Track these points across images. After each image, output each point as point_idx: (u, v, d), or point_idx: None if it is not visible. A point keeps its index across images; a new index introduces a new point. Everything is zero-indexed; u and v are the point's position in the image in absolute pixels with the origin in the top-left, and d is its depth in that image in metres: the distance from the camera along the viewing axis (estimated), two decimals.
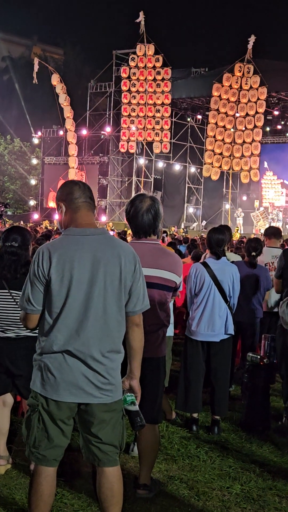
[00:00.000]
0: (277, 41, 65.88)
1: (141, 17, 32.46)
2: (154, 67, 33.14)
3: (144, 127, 33.70)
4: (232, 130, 30.89)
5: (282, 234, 8.65)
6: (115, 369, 3.58)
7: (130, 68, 33.56)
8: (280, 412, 6.69)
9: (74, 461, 5.07)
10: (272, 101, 32.95)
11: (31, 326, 3.63)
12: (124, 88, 33.97)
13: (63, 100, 34.56)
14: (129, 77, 33.71)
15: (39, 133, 42.81)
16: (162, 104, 33.32)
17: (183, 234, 27.62)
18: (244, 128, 30.98)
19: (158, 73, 33.08)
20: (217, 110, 31.11)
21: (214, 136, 31.35)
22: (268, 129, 33.14)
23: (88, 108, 40.39)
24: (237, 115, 30.83)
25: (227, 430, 6.28)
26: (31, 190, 48.34)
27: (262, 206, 39.31)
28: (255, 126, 30.84)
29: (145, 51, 32.94)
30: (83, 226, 3.58)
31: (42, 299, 3.52)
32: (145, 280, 3.86)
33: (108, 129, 38.49)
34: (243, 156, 31.18)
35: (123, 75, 33.96)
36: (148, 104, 33.46)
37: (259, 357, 6.40)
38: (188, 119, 39.50)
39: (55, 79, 34.63)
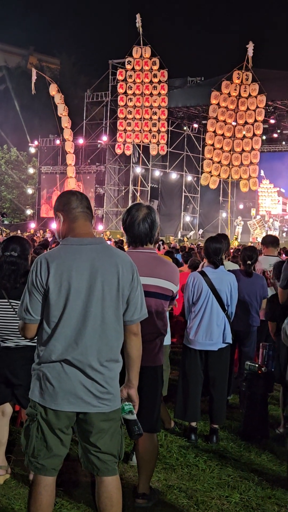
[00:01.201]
0: (272, 50, 66.22)
1: (138, 19, 32.52)
2: (150, 70, 33.12)
3: (140, 130, 33.69)
4: (231, 138, 30.87)
5: (280, 242, 8.67)
6: (114, 378, 3.59)
7: (126, 71, 33.57)
8: (278, 420, 6.69)
9: (73, 470, 5.06)
10: (268, 110, 33.05)
11: (30, 335, 3.63)
12: (120, 90, 33.95)
13: (62, 110, 34.57)
14: (125, 80, 33.72)
15: (36, 143, 42.86)
16: (159, 106, 33.29)
17: (187, 243, 27.46)
18: (243, 137, 30.97)
19: (155, 75, 33.03)
20: (216, 118, 31.08)
21: (213, 145, 31.30)
22: (264, 137, 33.19)
23: (84, 118, 40.46)
24: (233, 124, 30.85)
25: (225, 439, 6.28)
26: (28, 199, 48.38)
27: (259, 215, 39.40)
28: (254, 135, 30.83)
29: (141, 53, 32.95)
30: (81, 236, 3.59)
31: (41, 308, 3.52)
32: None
33: (104, 138, 38.55)
34: (242, 165, 31.15)
35: (119, 77, 33.92)
36: (144, 106, 33.43)
37: (257, 365, 6.40)
38: (185, 128, 39.60)
39: (53, 89, 34.65)
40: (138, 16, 32.64)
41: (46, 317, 3.51)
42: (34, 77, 34.45)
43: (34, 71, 35.12)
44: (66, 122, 34.88)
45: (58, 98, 34.52)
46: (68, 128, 35.05)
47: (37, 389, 3.55)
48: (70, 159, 35.64)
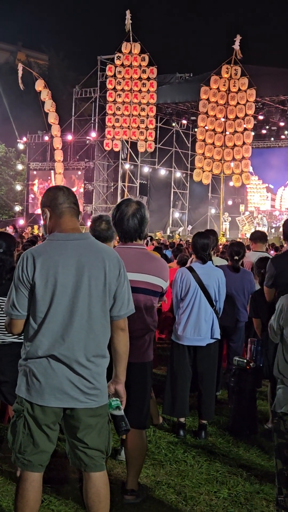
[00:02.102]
0: (260, 47, 66.25)
1: (128, 16, 32.41)
2: (139, 66, 33.03)
3: (129, 126, 33.61)
4: (222, 133, 30.81)
5: (268, 238, 8.68)
6: (101, 373, 3.58)
7: (115, 67, 33.47)
8: (267, 415, 6.70)
9: (61, 467, 5.05)
10: (257, 106, 33.04)
11: (16, 331, 3.61)
12: (109, 86, 33.83)
13: (49, 106, 34.44)
14: (114, 76, 33.62)
15: (24, 139, 42.70)
16: (147, 103, 33.18)
17: (177, 239, 27.40)
18: (234, 131, 30.93)
19: (144, 71, 32.95)
20: (206, 113, 31.03)
21: (204, 140, 31.24)
22: (253, 133, 33.21)
23: (73, 114, 40.33)
24: (222, 119, 30.82)
25: (214, 435, 6.28)
26: (17, 196, 48.20)
27: (248, 211, 39.45)
28: (245, 129, 30.80)
29: (130, 49, 32.84)
30: (68, 231, 3.58)
31: (27, 304, 3.51)
32: (131, 284, 3.86)
33: (93, 134, 38.43)
34: (234, 160, 31.13)
35: (109, 73, 33.76)
36: (133, 103, 33.34)
37: (245, 361, 6.41)
38: (173, 124, 39.56)
39: (40, 85, 34.51)
40: (127, 12, 32.55)
41: (33, 312, 3.50)
42: (20, 72, 34.29)
43: (20, 66, 34.95)
44: (53, 118, 34.75)
45: (45, 94, 34.36)
46: (55, 124, 34.91)
47: (23, 385, 3.54)
48: (59, 155, 35.51)
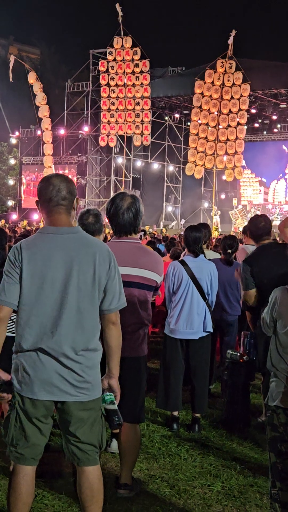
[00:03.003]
0: (253, 40, 66.20)
1: (118, 9, 32.26)
2: (132, 60, 32.92)
3: (124, 121, 33.53)
4: (215, 128, 30.76)
5: None
6: (92, 367, 3.56)
7: (108, 62, 33.37)
8: (260, 409, 6.71)
9: (54, 462, 5.04)
10: (249, 100, 33.02)
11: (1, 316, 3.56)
12: (102, 82, 33.71)
13: (41, 99, 34.27)
14: (107, 71, 33.51)
15: (17, 133, 42.60)
16: (142, 97, 33.09)
17: (167, 233, 27.43)
18: (227, 126, 30.89)
19: (137, 65, 32.80)
20: (200, 107, 30.97)
21: (197, 134, 31.18)
22: (245, 128, 33.19)
23: (65, 108, 40.22)
24: (216, 113, 30.78)
25: (207, 428, 6.29)
26: (9, 191, 48.11)
27: (241, 204, 39.49)
28: (238, 124, 30.77)
29: (122, 43, 32.73)
30: (58, 225, 3.56)
31: (15, 294, 3.49)
32: (125, 279, 3.84)
33: (86, 128, 38.38)
34: (227, 154, 31.11)
35: (101, 68, 33.65)
36: (127, 97, 33.26)
37: (238, 354, 6.41)
38: (166, 118, 39.51)
39: (32, 78, 34.30)
40: (117, 6, 32.40)
41: (21, 305, 3.49)
42: (11, 64, 34.11)
43: (12, 58, 34.74)
44: (45, 111, 34.57)
45: (37, 87, 34.16)
46: (47, 117, 34.74)
47: (15, 378, 3.54)
48: (49, 149, 35.32)
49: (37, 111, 34.62)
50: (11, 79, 34.17)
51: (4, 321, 3.53)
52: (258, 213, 36.19)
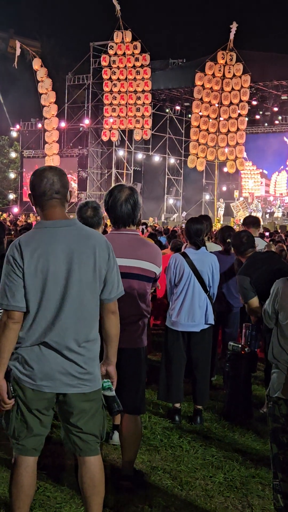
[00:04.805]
0: (254, 31, 65.98)
1: (115, 3, 32.17)
2: (132, 54, 32.87)
3: (126, 115, 33.51)
4: (216, 119, 30.75)
5: (262, 223, 8.65)
6: (93, 358, 3.58)
7: (110, 56, 33.31)
8: (262, 400, 6.71)
9: (56, 454, 5.05)
10: (250, 92, 32.99)
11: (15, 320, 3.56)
12: (105, 76, 33.69)
13: (48, 85, 34.02)
14: (109, 65, 33.46)
15: (18, 126, 42.58)
16: (143, 91, 33.07)
17: (169, 225, 27.44)
18: (228, 117, 30.86)
19: (137, 59, 32.79)
20: (201, 99, 30.95)
21: (198, 126, 31.19)
22: (246, 119, 33.17)
23: (66, 101, 40.17)
24: (217, 105, 30.74)
25: (209, 420, 6.29)
26: (11, 184, 48.12)
27: (242, 196, 39.50)
28: (239, 115, 30.75)
29: (122, 37, 32.68)
30: (53, 219, 3.54)
31: (22, 296, 3.44)
32: (125, 270, 3.82)
33: (86, 121, 38.35)
34: (228, 146, 31.08)
35: (103, 63, 33.66)
36: (129, 91, 33.22)
37: (240, 346, 6.40)
38: (167, 110, 39.47)
39: (36, 64, 34.08)
40: (114, 1, 32.27)
41: (26, 301, 3.46)
42: (18, 50, 33.97)
43: (18, 44, 34.59)
44: (51, 98, 34.35)
45: (43, 73, 34.00)
46: (53, 104, 34.55)
47: (16, 371, 3.53)
48: (55, 135, 34.99)
49: (39, 103, 34.47)
50: (16, 66, 33.99)
51: (19, 326, 3.48)
52: (260, 205, 36.21)
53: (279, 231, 23.01)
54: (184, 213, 39.83)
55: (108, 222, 5.15)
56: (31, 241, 3.48)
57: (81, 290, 3.48)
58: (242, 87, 30.29)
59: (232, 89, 30.45)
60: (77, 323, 3.48)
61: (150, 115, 33.78)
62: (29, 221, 25.93)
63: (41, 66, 34.18)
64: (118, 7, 32.03)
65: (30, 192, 3.61)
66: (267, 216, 35.82)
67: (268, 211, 37.35)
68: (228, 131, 31.00)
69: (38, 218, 3.92)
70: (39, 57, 35.19)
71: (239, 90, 30.34)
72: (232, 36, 29.80)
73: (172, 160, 41.21)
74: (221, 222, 32.28)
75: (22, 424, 3.56)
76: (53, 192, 3.53)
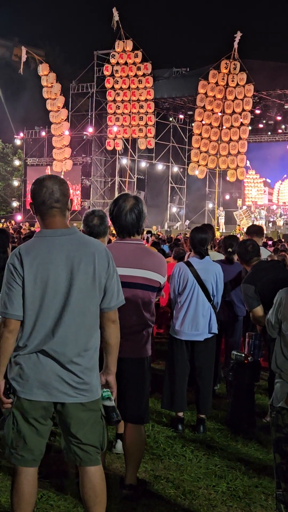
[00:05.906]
0: (257, 41, 66.19)
1: (115, 13, 32.26)
2: (134, 63, 32.96)
3: (129, 124, 33.57)
4: (218, 128, 30.83)
5: (265, 232, 8.67)
6: (91, 368, 3.57)
7: (112, 66, 33.40)
8: (265, 409, 6.71)
9: (59, 462, 5.05)
10: (254, 100, 33.05)
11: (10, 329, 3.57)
12: (108, 85, 33.78)
13: (57, 90, 34.08)
14: (112, 75, 33.55)
15: (21, 134, 42.70)
16: (146, 100, 33.14)
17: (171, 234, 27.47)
18: (230, 126, 30.91)
19: (139, 68, 32.87)
20: (203, 107, 30.99)
21: (200, 134, 31.24)
22: (250, 128, 33.22)
23: (70, 109, 40.26)
24: (219, 114, 30.79)
25: (212, 429, 6.29)
26: (14, 192, 48.23)
27: (245, 205, 39.47)
28: (241, 124, 30.78)
29: (123, 47, 32.78)
30: (54, 228, 3.55)
31: (20, 304, 3.46)
32: (129, 280, 3.82)
33: (90, 129, 38.44)
34: (229, 155, 31.11)
35: (106, 72, 33.76)
36: (132, 100, 33.30)
37: (243, 355, 6.41)
38: (170, 119, 39.54)
39: (45, 69, 34.06)
40: (114, 10, 32.35)
41: (25, 310, 3.47)
42: (24, 57, 34.05)
43: (24, 50, 34.68)
44: (60, 102, 34.39)
45: (52, 78, 34.02)
46: (63, 109, 34.60)
47: (13, 380, 3.54)
48: (66, 140, 35.00)
49: (43, 107, 34.47)
50: (21, 72, 34.06)
51: (14, 334, 3.50)
52: (263, 213, 36.21)
53: (283, 240, 23.01)
54: (187, 222, 39.86)
55: (113, 231, 5.17)
56: (31, 250, 3.49)
57: (81, 299, 3.49)
58: (245, 96, 30.34)
59: (235, 98, 30.50)
60: (77, 332, 3.48)
61: (153, 124, 33.83)
62: (32, 229, 25.94)
63: (50, 71, 34.22)
64: (116, 18, 32.08)
65: (31, 201, 3.63)
66: (270, 224, 35.83)
67: (271, 219, 37.36)
68: (230, 139, 31.05)
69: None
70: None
71: (242, 99, 30.39)
72: (236, 45, 29.89)
73: (175, 169, 41.27)
74: (223, 230, 32.30)
75: (18, 434, 3.55)
76: (52, 201, 3.54)
